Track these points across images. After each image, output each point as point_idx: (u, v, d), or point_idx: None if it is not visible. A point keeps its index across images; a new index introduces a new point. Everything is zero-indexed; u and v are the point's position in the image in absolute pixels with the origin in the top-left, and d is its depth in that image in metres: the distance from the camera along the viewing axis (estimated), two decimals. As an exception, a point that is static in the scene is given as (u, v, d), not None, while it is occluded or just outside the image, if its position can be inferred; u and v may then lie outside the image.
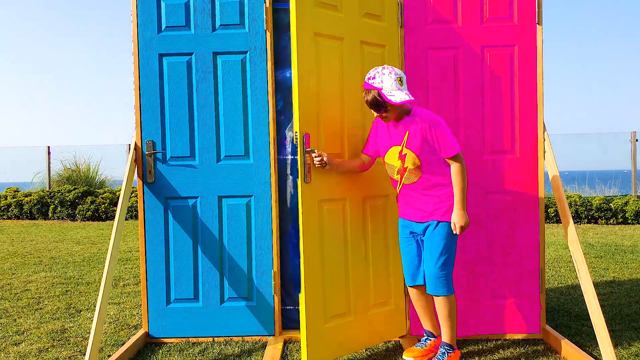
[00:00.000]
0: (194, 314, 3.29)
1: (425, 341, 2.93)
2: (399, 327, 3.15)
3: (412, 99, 2.65)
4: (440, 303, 2.75)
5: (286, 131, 3.36)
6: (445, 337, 2.78)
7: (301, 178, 2.68)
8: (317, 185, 2.76)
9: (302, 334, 2.68)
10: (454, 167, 2.70)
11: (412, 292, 2.92)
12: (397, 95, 2.63)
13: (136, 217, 10.11)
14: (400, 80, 2.67)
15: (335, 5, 2.90)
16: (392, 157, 2.81)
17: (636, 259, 5.69)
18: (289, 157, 3.36)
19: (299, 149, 2.66)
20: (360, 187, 2.98)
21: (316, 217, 2.76)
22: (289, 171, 3.36)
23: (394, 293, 3.12)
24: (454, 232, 2.72)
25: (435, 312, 2.90)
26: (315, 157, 2.70)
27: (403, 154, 2.76)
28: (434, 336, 2.93)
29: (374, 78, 2.69)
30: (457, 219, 2.69)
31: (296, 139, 2.67)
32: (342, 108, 2.93)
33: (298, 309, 3.37)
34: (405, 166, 2.78)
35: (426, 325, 2.96)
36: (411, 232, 2.87)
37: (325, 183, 2.80)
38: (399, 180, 2.83)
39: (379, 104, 2.66)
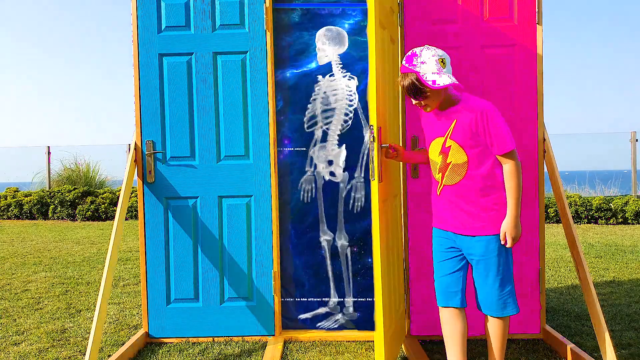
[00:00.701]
0: (194, 314, 3.29)
1: None
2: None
3: (456, 82, 2.27)
4: (499, 324, 2.37)
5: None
6: None
7: (377, 177, 2.40)
8: (382, 183, 2.54)
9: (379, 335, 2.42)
10: (507, 167, 2.29)
11: (444, 313, 2.44)
12: (438, 78, 2.25)
13: (136, 217, 10.11)
14: (442, 61, 2.29)
15: (391, 7, 2.97)
16: (434, 151, 2.43)
17: (636, 259, 5.69)
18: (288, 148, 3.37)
19: (375, 145, 2.38)
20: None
21: (383, 216, 2.55)
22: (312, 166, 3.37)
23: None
24: (503, 244, 2.32)
25: (466, 338, 2.45)
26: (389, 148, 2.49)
27: (447, 146, 2.37)
28: None
29: (412, 60, 2.31)
30: (508, 229, 2.29)
31: (372, 137, 2.38)
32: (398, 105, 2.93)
33: (298, 307, 3.37)
34: (448, 162, 2.37)
35: (452, 356, 2.43)
36: (451, 246, 2.44)
37: (386, 180, 2.65)
38: (440, 180, 2.43)
39: (417, 89, 2.29)
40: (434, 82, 2.25)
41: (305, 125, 3.36)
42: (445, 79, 2.25)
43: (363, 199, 3.35)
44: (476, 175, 2.33)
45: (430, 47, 2.33)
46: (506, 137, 2.28)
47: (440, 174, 2.42)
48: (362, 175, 3.35)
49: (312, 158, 3.37)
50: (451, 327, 2.42)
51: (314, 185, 3.37)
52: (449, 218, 2.42)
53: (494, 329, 2.38)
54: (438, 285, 2.47)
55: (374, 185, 2.40)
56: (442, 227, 2.47)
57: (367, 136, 2.58)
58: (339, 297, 3.38)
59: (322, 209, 3.36)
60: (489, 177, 2.33)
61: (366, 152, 3.34)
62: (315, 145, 3.36)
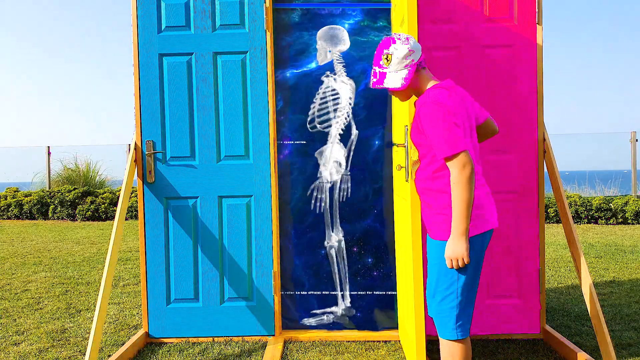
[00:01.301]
0: (194, 314, 3.29)
1: None
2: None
3: (388, 86, 2.13)
4: (442, 346, 2.13)
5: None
6: None
7: (410, 175, 2.41)
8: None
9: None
10: (451, 174, 1.99)
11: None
12: (375, 77, 2.18)
13: (136, 217, 10.11)
14: (387, 58, 2.13)
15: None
16: None
17: (636, 259, 5.69)
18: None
19: (408, 144, 2.43)
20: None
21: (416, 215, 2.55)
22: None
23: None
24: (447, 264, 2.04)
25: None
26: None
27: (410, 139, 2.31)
28: None
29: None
30: (447, 246, 2.01)
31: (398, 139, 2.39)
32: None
33: (298, 307, 3.38)
34: (410, 155, 2.35)
35: None
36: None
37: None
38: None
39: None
40: (370, 81, 2.21)
41: (309, 126, 3.36)
42: (378, 81, 2.15)
43: (370, 198, 3.34)
44: (424, 173, 2.16)
45: (395, 40, 2.14)
46: (445, 140, 1.97)
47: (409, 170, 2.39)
48: (364, 174, 3.35)
49: (316, 158, 3.37)
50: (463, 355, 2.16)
51: (323, 185, 3.37)
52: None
53: (443, 353, 2.11)
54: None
55: (404, 184, 2.46)
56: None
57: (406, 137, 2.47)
58: (339, 297, 3.38)
59: (329, 209, 3.36)
60: (437, 179, 2.10)
61: (371, 151, 3.34)
62: (317, 145, 3.36)
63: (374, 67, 2.20)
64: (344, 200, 3.36)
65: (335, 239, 3.37)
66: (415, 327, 2.46)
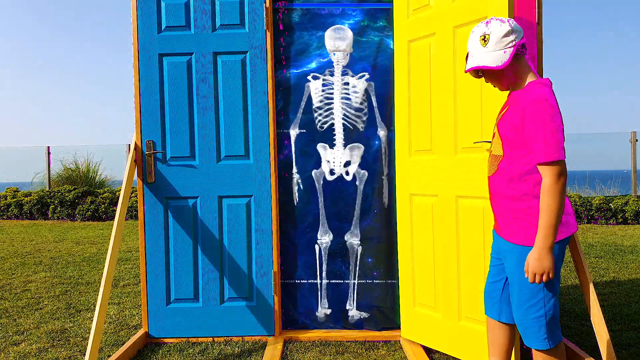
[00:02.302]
0: (194, 314, 3.29)
1: None
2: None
3: (481, 64, 1.97)
4: (536, 357, 2.01)
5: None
6: None
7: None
8: None
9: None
10: (545, 182, 1.85)
11: (488, 320, 2.23)
12: (472, 59, 2.01)
13: (136, 217, 10.10)
14: (483, 38, 1.98)
15: (427, 3, 3.00)
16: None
17: (636, 259, 5.69)
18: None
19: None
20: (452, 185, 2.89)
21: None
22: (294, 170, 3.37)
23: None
24: (527, 277, 1.92)
25: (510, 352, 2.21)
26: None
27: (493, 132, 2.12)
28: None
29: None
30: (530, 260, 1.88)
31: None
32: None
33: (298, 307, 3.38)
34: (489, 150, 2.13)
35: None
36: (496, 252, 2.17)
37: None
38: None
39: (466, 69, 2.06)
40: (469, 61, 2.03)
41: (309, 126, 3.36)
42: (472, 60, 1.99)
43: (370, 198, 3.34)
44: (507, 172, 2.01)
45: (491, 20, 2.01)
46: (550, 144, 1.83)
47: (488, 162, 2.16)
48: (368, 174, 3.35)
49: (316, 158, 3.37)
50: (490, 335, 2.20)
51: (325, 185, 3.37)
52: (494, 214, 2.14)
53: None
54: (485, 291, 2.25)
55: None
56: (494, 226, 2.18)
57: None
58: (340, 296, 3.38)
59: (323, 209, 3.36)
60: (521, 180, 1.97)
61: (371, 151, 3.34)
62: (317, 144, 3.36)
63: (469, 51, 2.04)
64: (345, 200, 3.36)
65: (347, 242, 3.36)
66: None
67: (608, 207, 9.00)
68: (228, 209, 3.29)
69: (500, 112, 2.10)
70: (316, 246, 3.37)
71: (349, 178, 3.35)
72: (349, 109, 3.34)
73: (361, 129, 3.34)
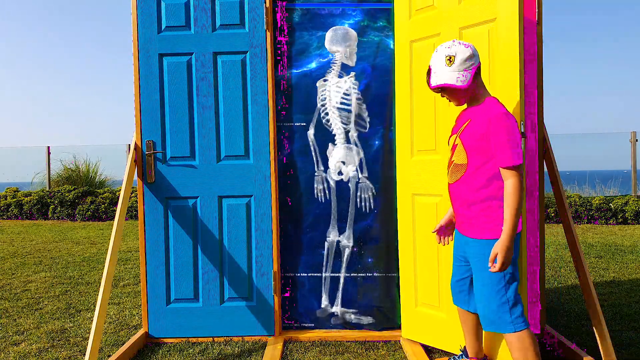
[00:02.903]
0: (194, 314, 3.29)
1: (458, 358, 2.65)
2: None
3: (449, 83, 2.21)
4: (510, 340, 2.21)
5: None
6: None
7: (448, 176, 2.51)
8: None
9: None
10: (508, 184, 2.14)
11: (458, 309, 2.59)
12: (435, 77, 2.25)
13: (136, 217, 10.11)
14: (449, 59, 2.22)
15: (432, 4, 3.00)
16: (449, 147, 2.44)
17: (636, 259, 5.69)
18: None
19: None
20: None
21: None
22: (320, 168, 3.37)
23: None
24: (491, 266, 2.16)
25: (480, 332, 2.55)
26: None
27: (455, 143, 2.36)
28: (467, 356, 2.59)
29: (434, 53, 2.32)
30: (500, 251, 2.12)
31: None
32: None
33: (298, 307, 3.38)
34: (452, 160, 2.38)
35: (465, 341, 2.60)
36: (461, 252, 2.45)
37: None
38: (447, 175, 2.45)
39: (427, 84, 2.34)
40: (432, 78, 2.28)
41: (310, 126, 3.36)
42: (436, 79, 2.25)
43: (371, 199, 3.34)
44: (471, 180, 2.28)
45: (453, 42, 2.27)
46: (512, 151, 2.14)
47: (448, 169, 2.44)
48: (367, 175, 3.35)
49: (323, 159, 3.37)
50: (462, 319, 2.57)
51: (325, 185, 3.37)
52: (457, 218, 2.42)
53: (510, 351, 2.22)
54: (451, 287, 2.58)
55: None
56: (456, 227, 2.46)
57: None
58: (339, 297, 3.38)
59: (335, 210, 3.36)
60: (486, 185, 2.24)
61: (371, 151, 3.34)
62: (317, 144, 3.36)
63: (432, 68, 2.29)
64: (344, 200, 3.36)
65: (334, 238, 3.36)
66: None
67: (608, 207, 9.00)
68: (228, 209, 3.29)
69: (459, 125, 2.37)
70: (318, 246, 3.37)
71: (345, 178, 3.35)
72: (348, 109, 3.34)
73: (361, 129, 3.34)
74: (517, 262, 2.26)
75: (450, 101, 2.36)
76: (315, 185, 3.37)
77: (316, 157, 3.37)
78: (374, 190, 3.35)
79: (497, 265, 2.13)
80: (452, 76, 2.21)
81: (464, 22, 2.82)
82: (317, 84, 3.35)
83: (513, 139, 2.15)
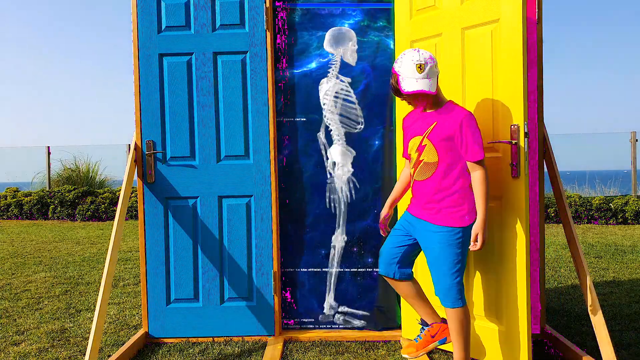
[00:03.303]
0: (194, 314, 3.29)
1: (421, 332, 2.70)
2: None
3: (425, 89, 2.41)
4: (451, 315, 2.52)
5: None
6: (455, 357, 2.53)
7: (523, 174, 2.61)
8: None
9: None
10: (477, 174, 2.45)
11: (390, 282, 2.72)
12: (408, 84, 2.43)
13: (136, 217, 10.11)
14: (419, 67, 2.42)
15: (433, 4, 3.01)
16: (412, 147, 2.62)
17: (636, 259, 5.69)
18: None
19: (520, 142, 2.58)
20: None
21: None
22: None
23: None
24: (472, 246, 2.46)
25: (425, 297, 2.71)
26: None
27: (423, 144, 2.55)
28: (427, 324, 2.69)
29: (397, 62, 2.50)
30: (480, 231, 2.44)
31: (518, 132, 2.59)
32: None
33: (299, 307, 3.38)
34: (420, 159, 2.56)
35: (419, 313, 2.72)
36: (404, 226, 2.66)
37: None
38: (412, 174, 2.62)
39: (396, 90, 2.51)
40: (405, 85, 2.45)
41: (309, 126, 3.36)
42: (413, 85, 2.42)
43: (370, 198, 3.34)
44: (442, 177, 2.51)
45: (416, 50, 2.48)
46: (479, 147, 2.45)
47: (414, 169, 2.61)
48: (364, 174, 3.35)
49: (317, 158, 3.37)
50: (401, 289, 2.69)
51: (317, 185, 3.37)
52: (418, 208, 2.61)
53: (449, 322, 2.52)
54: (383, 253, 2.69)
55: (519, 183, 2.60)
56: (411, 212, 2.65)
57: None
58: (340, 296, 3.38)
59: (340, 210, 3.36)
60: (454, 182, 2.51)
61: (371, 151, 3.34)
62: (317, 144, 3.37)
63: (402, 74, 2.47)
64: (344, 200, 3.36)
65: (335, 238, 3.36)
66: (525, 321, 2.62)
67: (608, 207, 9.01)
68: (228, 209, 3.29)
69: (421, 128, 2.57)
70: (317, 246, 3.37)
71: (344, 178, 3.35)
72: (348, 110, 3.34)
73: (360, 130, 3.34)
74: (467, 250, 2.52)
75: (414, 105, 2.58)
76: (315, 186, 3.37)
77: (316, 157, 3.36)
78: (373, 190, 3.35)
79: (478, 244, 2.44)
80: (426, 83, 2.42)
81: (466, 22, 2.82)
82: (317, 83, 3.35)
83: (478, 135, 2.46)
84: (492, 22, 2.70)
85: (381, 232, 2.85)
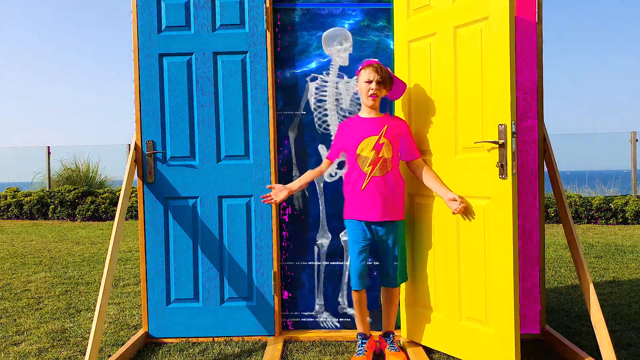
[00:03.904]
0: (194, 314, 3.29)
1: (362, 346, 2.94)
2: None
3: (400, 94, 3.06)
4: (396, 293, 3.02)
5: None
6: (393, 327, 3.04)
7: (510, 174, 2.61)
8: None
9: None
10: (424, 165, 2.96)
11: (358, 295, 2.94)
12: (391, 87, 2.97)
13: (136, 217, 10.11)
14: (389, 73, 2.97)
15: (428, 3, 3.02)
16: (366, 147, 2.86)
17: (636, 259, 5.69)
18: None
19: (507, 142, 2.57)
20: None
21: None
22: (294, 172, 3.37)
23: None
24: (458, 210, 2.76)
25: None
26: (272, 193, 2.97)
27: (380, 142, 2.86)
28: (367, 337, 2.98)
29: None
30: (458, 198, 2.78)
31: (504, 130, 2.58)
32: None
33: (299, 307, 3.38)
34: (380, 156, 2.86)
35: (363, 328, 2.99)
36: (368, 238, 2.91)
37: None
38: (369, 172, 2.85)
39: (390, 79, 2.93)
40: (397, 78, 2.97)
41: (310, 126, 3.36)
42: (399, 90, 3.03)
43: None
44: (396, 170, 2.92)
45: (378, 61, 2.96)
46: (416, 146, 3.02)
47: (371, 167, 2.85)
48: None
49: (320, 157, 3.37)
50: (362, 303, 2.97)
51: (317, 186, 3.37)
52: (377, 207, 2.86)
53: (394, 298, 3.00)
54: (355, 271, 2.91)
55: (507, 183, 2.59)
56: (361, 218, 2.88)
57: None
58: (340, 297, 3.38)
59: (324, 211, 3.36)
60: (400, 177, 2.95)
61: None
62: (317, 144, 3.37)
63: (381, 80, 2.88)
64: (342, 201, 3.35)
65: (327, 240, 3.36)
66: (512, 323, 2.59)
67: (608, 207, 9.01)
68: (228, 209, 3.29)
69: (373, 130, 2.88)
70: (315, 247, 3.38)
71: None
72: (347, 110, 3.34)
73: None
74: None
75: (378, 94, 2.89)
76: (316, 186, 3.37)
77: (316, 157, 3.36)
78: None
79: (461, 207, 2.75)
80: (399, 88, 3.01)
81: (458, 21, 2.82)
82: (316, 84, 3.35)
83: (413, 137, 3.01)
84: (482, 20, 2.69)
85: (262, 200, 3.02)
